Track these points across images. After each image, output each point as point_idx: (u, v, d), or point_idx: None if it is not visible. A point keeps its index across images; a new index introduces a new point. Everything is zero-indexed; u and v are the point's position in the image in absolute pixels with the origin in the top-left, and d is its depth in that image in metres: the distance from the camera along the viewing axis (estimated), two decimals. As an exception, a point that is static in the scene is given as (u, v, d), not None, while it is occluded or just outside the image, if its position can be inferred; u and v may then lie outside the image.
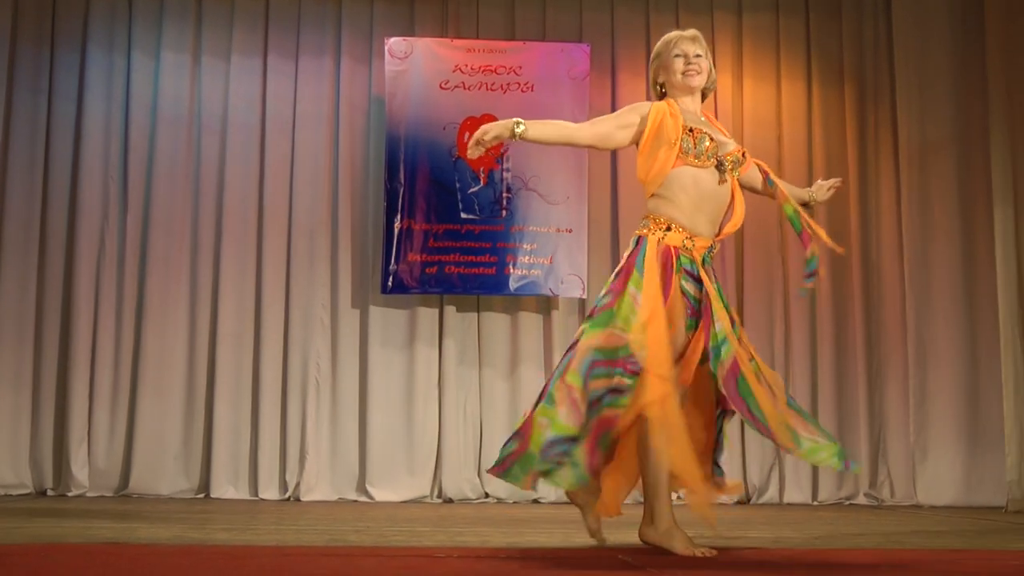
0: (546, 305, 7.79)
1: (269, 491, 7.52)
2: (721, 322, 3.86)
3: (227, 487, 7.51)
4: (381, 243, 7.69)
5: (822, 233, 4.28)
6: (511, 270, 7.67)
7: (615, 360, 3.79)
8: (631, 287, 3.86)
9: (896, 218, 8.03)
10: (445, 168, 7.72)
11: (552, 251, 7.70)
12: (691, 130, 4.01)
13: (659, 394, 3.71)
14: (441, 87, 7.79)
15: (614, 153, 7.69)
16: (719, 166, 4.01)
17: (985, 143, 7.80)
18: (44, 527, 4.77)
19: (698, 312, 3.91)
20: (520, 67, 7.79)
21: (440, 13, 8.08)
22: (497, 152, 7.72)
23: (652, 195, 4.04)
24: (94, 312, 7.63)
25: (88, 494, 7.38)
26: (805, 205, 4.55)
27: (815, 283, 4.36)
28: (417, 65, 7.79)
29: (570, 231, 7.73)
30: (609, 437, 3.82)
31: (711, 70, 4.20)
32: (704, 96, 4.24)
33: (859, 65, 8.25)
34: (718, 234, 4.06)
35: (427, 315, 7.79)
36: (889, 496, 7.76)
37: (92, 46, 7.88)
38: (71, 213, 7.73)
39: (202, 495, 7.51)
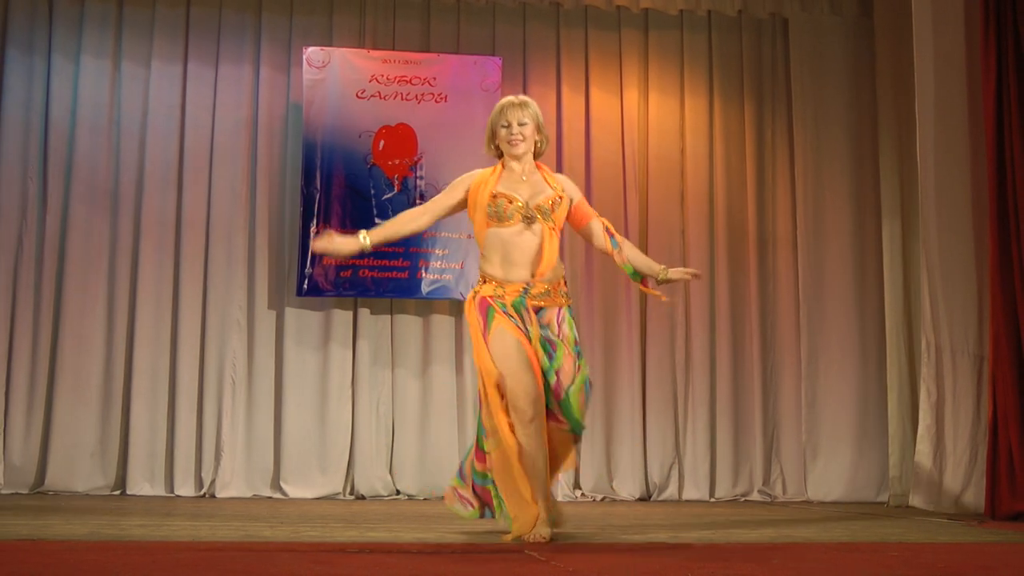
0: (457, 308, 7.96)
1: (185, 488, 7.62)
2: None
3: (143, 484, 7.59)
4: (297, 247, 7.84)
5: (658, 295, 4.92)
6: (423, 274, 7.88)
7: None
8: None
9: (791, 228, 8.41)
10: (360, 175, 7.92)
11: (463, 256, 7.91)
12: (495, 196, 4.56)
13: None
14: (357, 96, 7.99)
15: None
16: (526, 219, 4.54)
17: (875, 159, 8.24)
18: (-40, 523, 4.75)
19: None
20: (434, 78, 8.01)
21: (357, 24, 8.25)
22: (412, 160, 7.93)
23: (480, 255, 4.65)
24: (11, 311, 7.65)
25: (3, 491, 7.39)
26: (653, 277, 4.89)
27: (655, 286, 4.91)
28: (334, 74, 7.97)
29: (481, 237, 7.93)
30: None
31: (537, 134, 4.69)
32: (538, 155, 4.75)
33: (758, 82, 8.61)
34: (533, 276, 4.53)
35: (341, 317, 7.95)
36: (782, 492, 8.13)
37: (11, 48, 7.90)
38: (-10, 213, 7.73)
39: (118, 492, 7.58)
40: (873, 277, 8.22)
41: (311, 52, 7.97)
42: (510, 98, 4.74)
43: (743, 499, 8.08)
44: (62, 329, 7.70)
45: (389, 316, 7.99)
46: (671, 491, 8.06)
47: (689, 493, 8.06)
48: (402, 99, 7.99)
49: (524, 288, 4.51)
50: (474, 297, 4.60)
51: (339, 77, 7.96)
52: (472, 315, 4.55)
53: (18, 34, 7.92)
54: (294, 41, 8.15)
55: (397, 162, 7.93)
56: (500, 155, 4.75)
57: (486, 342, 4.46)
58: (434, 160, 7.91)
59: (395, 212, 7.87)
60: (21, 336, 7.65)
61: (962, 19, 6.63)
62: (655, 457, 8.11)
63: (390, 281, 7.82)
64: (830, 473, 8.12)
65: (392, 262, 7.80)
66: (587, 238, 4.90)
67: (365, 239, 4.52)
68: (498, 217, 4.56)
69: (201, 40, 8.11)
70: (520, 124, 4.66)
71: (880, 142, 8.17)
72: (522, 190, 4.61)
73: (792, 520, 6.03)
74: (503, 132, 4.67)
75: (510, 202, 4.54)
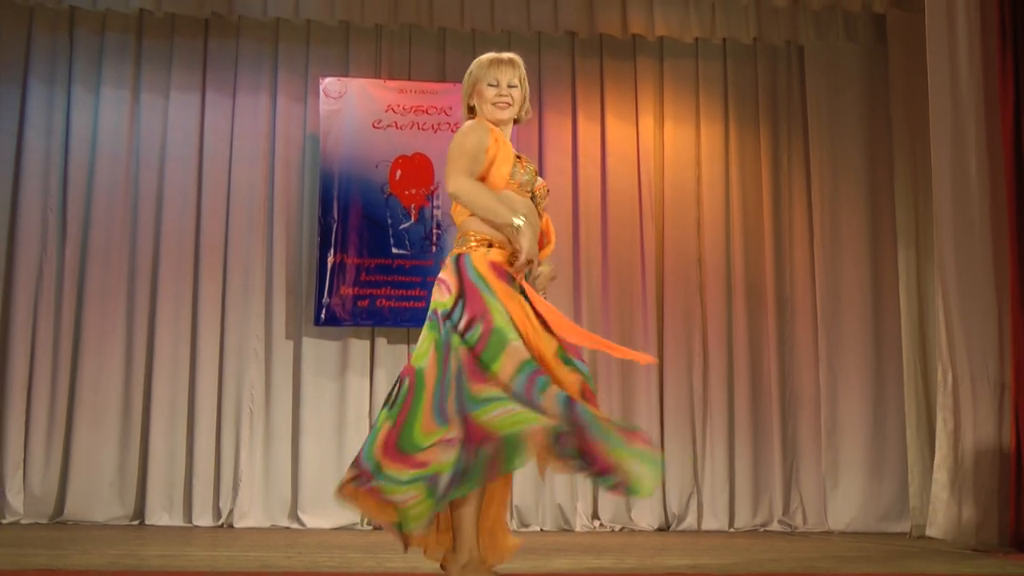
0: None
1: (203, 518, 7.64)
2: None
3: (161, 514, 7.60)
4: (314, 276, 7.88)
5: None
6: (440, 304, 7.87)
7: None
8: (492, 317, 3.65)
9: (809, 256, 8.39)
10: (377, 205, 7.95)
11: (480, 286, 7.89)
12: (519, 157, 3.93)
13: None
14: (374, 126, 8.03)
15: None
16: (532, 198, 3.93)
17: (890, 187, 8.22)
18: (-22, 555, 4.78)
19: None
20: (450, 108, 8.03)
21: (374, 54, 8.31)
22: (428, 189, 7.97)
23: (472, 215, 3.84)
24: (31, 340, 7.69)
25: (23, 521, 7.41)
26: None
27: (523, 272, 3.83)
28: (351, 104, 8.01)
29: (497, 266, 7.95)
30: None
31: (525, 100, 4.03)
32: (516, 123, 4.09)
33: (773, 109, 8.61)
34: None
35: (359, 347, 7.97)
36: (802, 522, 8.08)
37: (33, 80, 7.96)
38: (10, 244, 7.79)
39: (137, 522, 7.59)
40: (890, 304, 8.19)
41: (328, 82, 8.02)
42: (498, 54, 4.05)
43: (763, 529, 8.04)
44: (81, 359, 7.74)
45: (406, 345, 7.98)
46: (690, 521, 8.02)
47: (708, 523, 8.01)
48: (418, 129, 8.02)
49: (530, 270, 3.82)
50: (483, 258, 3.78)
51: (356, 107, 8.01)
52: (488, 275, 3.73)
53: (39, 66, 7.99)
54: (311, 71, 8.21)
55: (414, 191, 7.95)
56: (474, 116, 4.03)
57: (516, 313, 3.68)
58: (450, 189, 7.92)
59: (411, 242, 8.08)
60: (41, 366, 7.69)
61: (978, 44, 6.60)
62: (674, 487, 8.08)
63: (407, 310, 7.83)
64: (850, 502, 8.07)
65: (410, 291, 7.82)
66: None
67: (521, 220, 3.74)
68: (519, 183, 3.88)
69: (219, 70, 8.17)
70: (510, 85, 3.97)
71: (896, 168, 8.15)
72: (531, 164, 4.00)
73: (813, 551, 5.99)
74: (489, 91, 3.95)
75: (531, 173, 3.94)
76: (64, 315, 7.77)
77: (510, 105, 3.97)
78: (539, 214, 3.95)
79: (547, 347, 3.69)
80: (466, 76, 4.05)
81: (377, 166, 7.98)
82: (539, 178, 4.03)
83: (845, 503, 8.07)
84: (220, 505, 7.70)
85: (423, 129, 8.04)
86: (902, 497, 7.93)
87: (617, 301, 8.13)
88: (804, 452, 8.20)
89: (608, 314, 8.16)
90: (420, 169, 8.00)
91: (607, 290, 8.15)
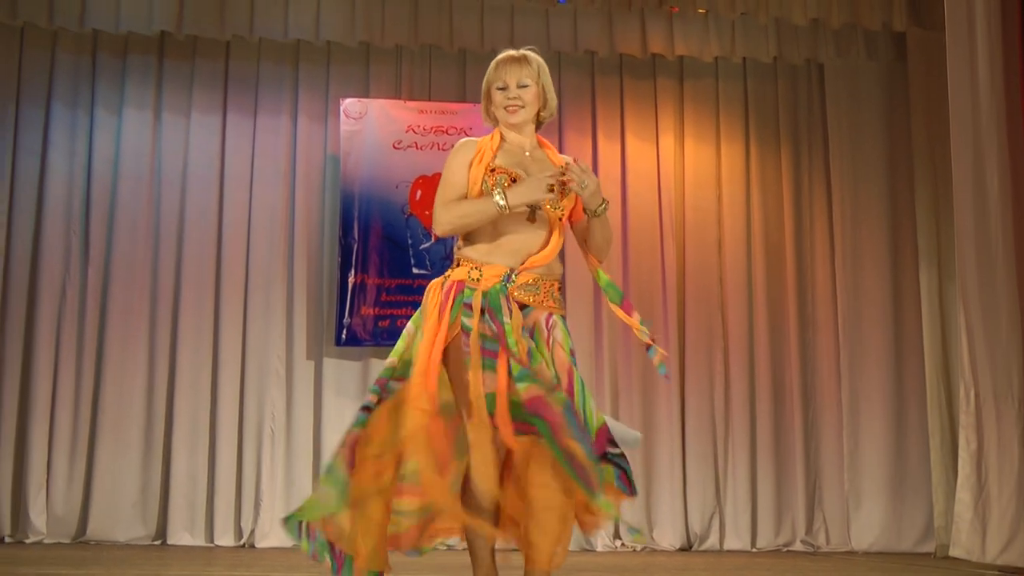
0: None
1: (224, 538, 7.65)
2: (517, 357, 3.42)
3: (183, 534, 7.62)
4: (335, 296, 7.89)
5: (634, 322, 3.93)
6: (460, 324, 7.87)
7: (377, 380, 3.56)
8: (410, 325, 3.60)
9: (830, 274, 8.36)
10: (397, 225, 7.98)
11: (500, 306, 7.90)
12: (493, 171, 3.61)
13: (416, 425, 3.38)
14: (394, 147, 8.05)
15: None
16: (529, 205, 3.58)
17: (911, 206, 8.21)
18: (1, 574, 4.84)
19: (495, 350, 3.46)
20: (470, 128, 8.04)
21: (394, 75, 8.35)
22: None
23: (465, 242, 3.65)
24: (54, 361, 7.72)
25: (46, 541, 7.44)
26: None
27: (663, 358, 3.90)
28: (371, 125, 8.05)
29: (516, 285, 7.95)
30: (347, 459, 3.51)
31: (542, 97, 3.73)
32: (540, 124, 3.81)
33: (794, 127, 8.61)
34: (522, 264, 3.59)
35: (379, 367, 7.85)
36: (825, 543, 8.04)
37: (56, 103, 8.02)
38: (33, 264, 7.83)
39: (159, 542, 7.60)
40: (912, 322, 8.17)
41: (348, 103, 8.05)
42: (509, 52, 3.76)
43: (786, 549, 8.00)
44: (103, 379, 7.77)
45: (427, 365, 7.97)
46: (712, 541, 7.99)
47: (731, 543, 7.98)
48: (438, 149, 8.04)
49: (507, 274, 3.54)
50: (442, 284, 3.58)
51: (376, 128, 8.04)
52: (434, 300, 3.55)
53: (63, 89, 8.05)
54: (331, 92, 8.24)
55: (434, 212, 7.96)
56: (497, 123, 3.77)
57: (434, 350, 3.48)
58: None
59: (432, 261, 8.09)
60: (64, 387, 7.72)
61: (999, 63, 6.59)
62: (695, 506, 8.06)
63: (427, 330, 7.81)
64: (874, 522, 8.02)
65: (430, 311, 7.81)
66: (580, 238, 3.81)
67: (499, 198, 3.49)
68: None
69: (240, 92, 8.22)
70: (520, 86, 3.67)
71: (917, 186, 8.14)
72: (528, 166, 3.68)
73: (836, 572, 5.96)
74: (498, 96, 3.69)
75: (513, 180, 3.59)
76: (87, 336, 7.80)
77: (521, 108, 3.68)
78: (534, 220, 3.60)
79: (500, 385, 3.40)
80: (483, 86, 3.79)
81: (397, 186, 8.01)
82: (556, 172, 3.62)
83: (868, 523, 8.03)
84: (242, 525, 7.71)
85: (443, 149, 8.05)
86: (926, 517, 7.90)
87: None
88: (827, 471, 8.16)
89: (629, 333, 8.10)
90: (440, 189, 8.00)
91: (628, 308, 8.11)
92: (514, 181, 3.58)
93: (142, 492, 7.69)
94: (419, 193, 7.99)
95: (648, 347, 3.85)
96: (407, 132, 8.07)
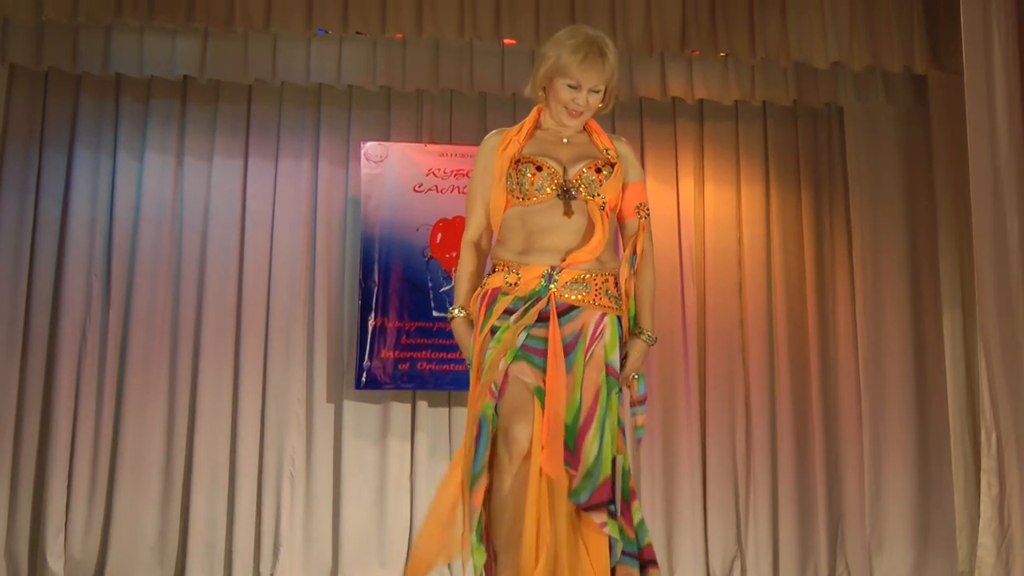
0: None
1: (243, 581, 7.63)
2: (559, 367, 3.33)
3: (202, 577, 7.59)
4: (355, 339, 7.89)
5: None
6: (481, 367, 7.86)
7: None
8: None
9: (851, 318, 8.32)
10: (418, 268, 7.98)
11: (521, 348, 7.89)
12: (518, 162, 3.46)
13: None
14: (415, 190, 8.07)
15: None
16: (563, 193, 3.42)
17: (933, 248, 8.17)
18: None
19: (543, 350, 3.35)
20: (491, 172, 8.07)
21: (415, 119, 8.38)
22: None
23: (495, 241, 3.58)
24: (74, 405, 7.70)
25: (64, 585, 7.42)
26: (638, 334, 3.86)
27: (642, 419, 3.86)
28: (392, 168, 8.07)
29: (538, 328, 7.94)
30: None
31: (608, 97, 3.57)
32: (596, 115, 3.65)
33: (814, 170, 8.60)
34: (564, 260, 3.43)
35: (400, 410, 7.96)
36: (848, 587, 7.97)
37: (79, 147, 8.04)
38: (54, 308, 7.82)
39: (177, 586, 7.58)
40: (935, 365, 8.11)
41: (369, 147, 8.08)
42: (589, 43, 3.43)
43: (808, 593, 7.93)
44: (123, 423, 7.75)
45: (447, 409, 7.97)
46: (733, 584, 7.93)
47: (753, 586, 7.93)
48: (459, 192, 8.06)
49: (547, 272, 3.37)
50: (480, 295, 3.47)
51: (397, 171, 8.06)
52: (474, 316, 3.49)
53: (85, 133, 8.08)
54: (352, 136, 8.27)
55: (454, 255, 7.98)
56: (543, 103, 3.57)
57: (479, 364, 3.38)
58: (490, 252, 7.95)
59: (451, 304, 8.04)
60: (83, 429, 7.70)
61: (1018, 106, 6.60)
62: (716, 549, 7.99)
63: (448, 374, 7.82)
64: (896, 567, 7.93)
65: (451, 354, 7.80)
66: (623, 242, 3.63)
67: (460, 312, 3.55)
68: (521, 191, 3.41)
69: (261, 135, 8.24)
70: (593, 91, 3.46)
71: (940, 229, 8.11)
72: (560, 153, 3.49)
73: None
74: (565, 93, 3.46)
75: (539, 169, 3.41)
76: (107, 379, 7.79)
77: (583, 113, 3.51)
78: (572, 211, 3.44)
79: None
80: (543, 55, 3.54)
81: (418, 229, 8.02)
82: (595, 155, 3.54)
83: (891, 567, 7.94)
84: (260, 569, 7.67)
85: (463, 193, 8.03)
86: (950, 562, 7.80)
87: (659, 363, 8.09)
88: (849, 515, 8.09)
89: (649, 376, 8.12)
90: (461, 232, 7.97)
91: (649, 352, 8.10)
92: (539, 170, 3.43)
93: (161, 535, 7.65)
94: (439, 236, 8.01)
95: (633, 405, 3.85)
96: (428, 175, 8.09)
